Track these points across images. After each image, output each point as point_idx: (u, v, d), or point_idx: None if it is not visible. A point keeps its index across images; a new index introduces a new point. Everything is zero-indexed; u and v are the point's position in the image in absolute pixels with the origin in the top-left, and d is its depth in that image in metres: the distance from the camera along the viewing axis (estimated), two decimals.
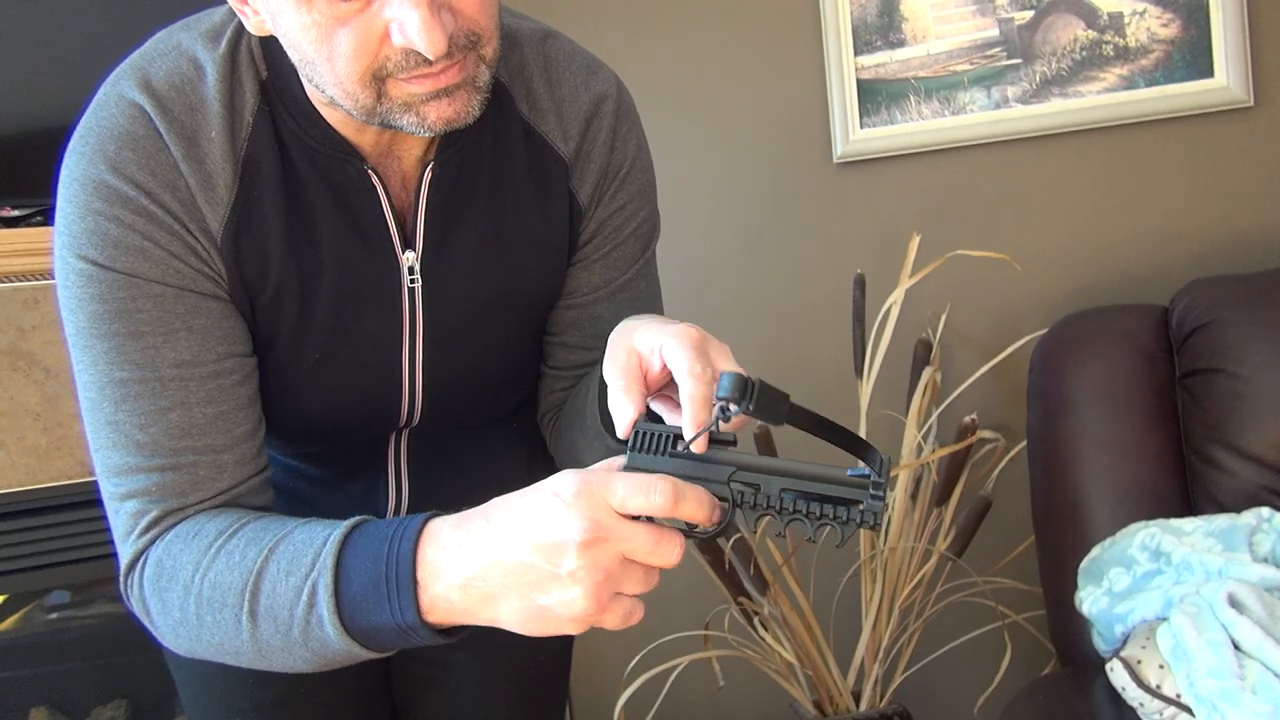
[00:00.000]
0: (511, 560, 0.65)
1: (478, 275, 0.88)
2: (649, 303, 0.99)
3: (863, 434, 1.71)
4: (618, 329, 0.78)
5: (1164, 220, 1.77)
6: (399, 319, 0.87)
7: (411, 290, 0.86)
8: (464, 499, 0.97)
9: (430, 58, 0.70)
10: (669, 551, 0.65)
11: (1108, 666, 1.18)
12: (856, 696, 1.72)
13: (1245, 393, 1.45)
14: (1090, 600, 1.31)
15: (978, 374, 1.71)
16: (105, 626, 2.07)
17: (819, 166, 1.88)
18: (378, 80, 0.72)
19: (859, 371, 1.73)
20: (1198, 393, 1.50)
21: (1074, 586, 1.38)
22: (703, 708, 1.95)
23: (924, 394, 1.72)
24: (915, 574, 1.67)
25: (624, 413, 0.71)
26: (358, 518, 0.74)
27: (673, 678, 1.71)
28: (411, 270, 0.85)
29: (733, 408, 0.64)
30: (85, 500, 1.74)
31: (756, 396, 0.62)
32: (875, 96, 1.86)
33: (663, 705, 1.79)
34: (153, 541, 0.78)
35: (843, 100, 1.86)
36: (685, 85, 1.91)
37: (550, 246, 0.91)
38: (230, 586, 0.72)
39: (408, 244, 0.85)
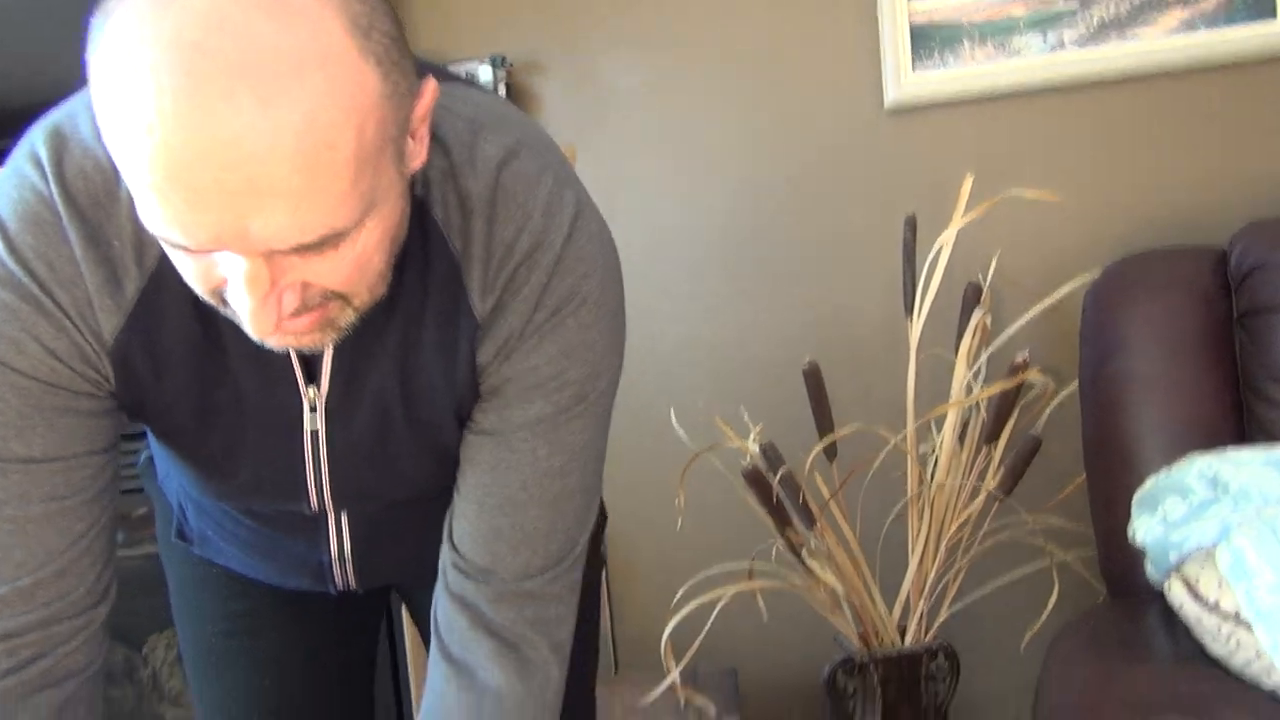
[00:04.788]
0: None
1: (382, 414, 0.82)
2: (540, 483, 0.83)
3: (911, 373, 1.72)
4: None
5: (1221, 163, 1.75)
6: (300, 448, 0.83)
7: (314, 430, 0.82)
8: (406, 549, 0.97)
9: (256, 340, 0.66)
10: None
11: (1165, 585, 1.19)
12: (902, 632, 1.73)
13: None
14: (1145, 529, 1.31)
15: (1029, 314, 1.70)
16: (156, 564, 2.12)
17: (870, 112, 1.87)
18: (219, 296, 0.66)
19: (908, 311, 1.74)
20: (1256, 333, 1.49)
21: (1125, 522, 1.38)
22: (748, 641, 1.97)
23: (974, 335, 1.72)
24: (962, 512, 1.68)
25: None
26: None
27: (718, 609, 1.72)
28: (314, 407, 0.81)
29: None
30: None
31: None
32: (928, 41, 1.85)
33: (708, 639, 1.81)
34: None
35: (895, 44, 1.85)
36: (734, 33, 1.91)
37: (456, 398, 0.82)
38: None
39: (312, 379, 0.80)
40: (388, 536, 0.96)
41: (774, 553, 1.79)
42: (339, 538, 0.94)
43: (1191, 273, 1.58)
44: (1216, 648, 1.10)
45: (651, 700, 1.77)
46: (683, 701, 1.77)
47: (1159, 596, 1.35)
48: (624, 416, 1.99)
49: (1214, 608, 1.10)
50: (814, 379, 1.72)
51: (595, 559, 1.14)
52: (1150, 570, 1.32)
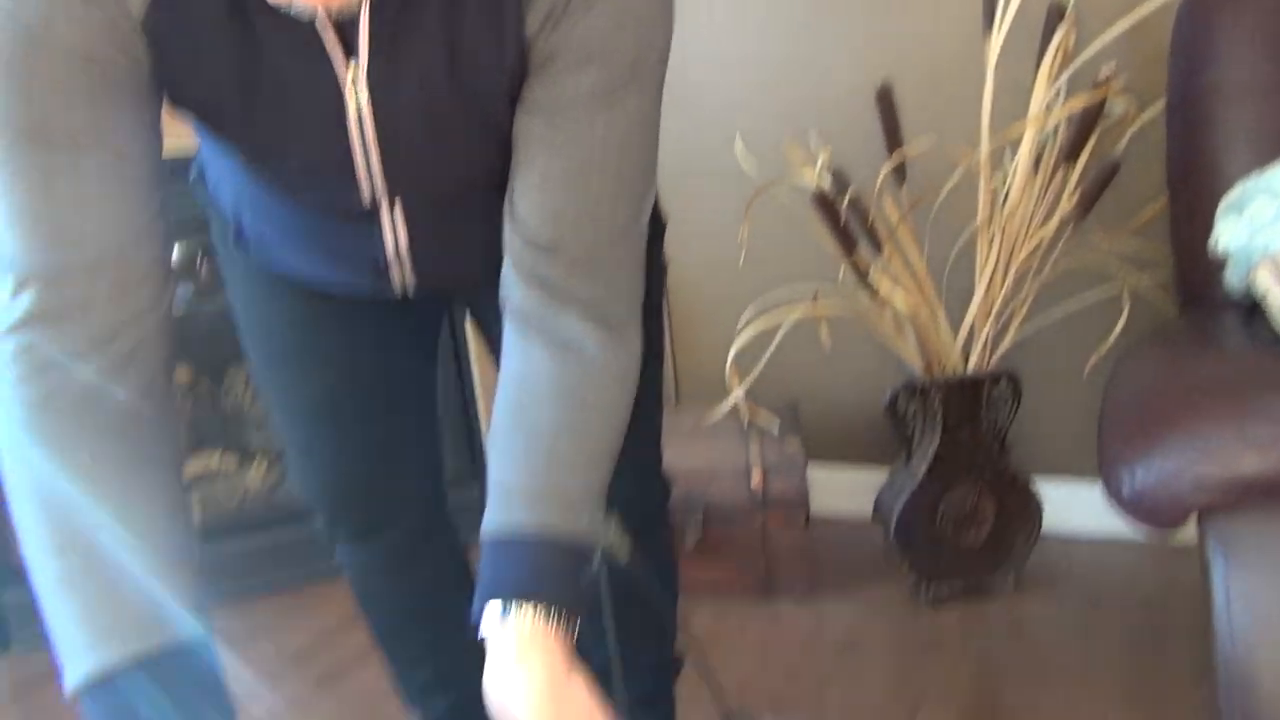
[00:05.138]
0: None
1: (429, 89, 0.80)
2: (599, 157, 0.82)
3: (988, 93, 1.66)
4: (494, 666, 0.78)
5: None
6: (345, 129, 0.82)
7: (358, 99, 0.80)
8: (463, 246, 0.95)
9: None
10: None
11: (1249, 277, 1.17)
12: (965, 358, 1.74)
13: None
14: (1229, 235, 1.28)
15: (1115, 29, 1.62)
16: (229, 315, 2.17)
17: None
18: None
19: (988, 27, 1.66)
20: None
21: (1206, 236, 1.35)
22: (809, 375, 2.00)
23: (1055, 56, 1.64)
24: (1034, 236, 1.65)
25: None
26: (105, 671, 0.72)
27: (782, 332, 1.74)
28: (355, 81, 0.79)
29: None
30: None
31: None
32: None
33: (770, 372, 1.83)
34: (26, 345, 0.75)
35: None
36: None
37: (506, 71, 0.80)
38: (44, 551, 0.74)
39: (351, 52, 0.77)
40: (444, 231, 0.95)
41: (839, 277, 1.79)
42: (394, 232, 0.93)
43: None
44: None
45: (716, 419, 1.82)
46: (745, 420, 1.82)
47: (1235, 305, 1.33)
48: (688, 141, 1.96)
49: None
50: (886, 100, 1.67)
51: (656, 265, 1.14)
52: (1229, 277, 1.29)
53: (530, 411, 0.85)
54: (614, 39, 0.77)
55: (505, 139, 0.85)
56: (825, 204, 1.65)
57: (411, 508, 1.20)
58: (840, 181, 1.66)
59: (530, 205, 0.84)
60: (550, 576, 0.81)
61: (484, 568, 0.82)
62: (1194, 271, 1.44)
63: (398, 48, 0.78)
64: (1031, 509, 1.77)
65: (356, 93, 0.79)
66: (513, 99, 0.82)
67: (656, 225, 1.08)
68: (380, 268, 0.97)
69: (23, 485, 0.75)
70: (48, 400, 0.76)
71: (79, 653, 0.72)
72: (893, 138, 1.68)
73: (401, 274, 0.98)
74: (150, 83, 0.76)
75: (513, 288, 0.88)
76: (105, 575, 0.75)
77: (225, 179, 0.99)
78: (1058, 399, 1.90)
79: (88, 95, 0.72)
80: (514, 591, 0.80)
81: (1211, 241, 1.32)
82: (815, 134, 1.82)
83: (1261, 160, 1.40)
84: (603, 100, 0.79)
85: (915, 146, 1.66)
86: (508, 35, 0.77)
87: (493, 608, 0.80)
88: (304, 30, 0.76)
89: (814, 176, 1.68)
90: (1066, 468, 1.92)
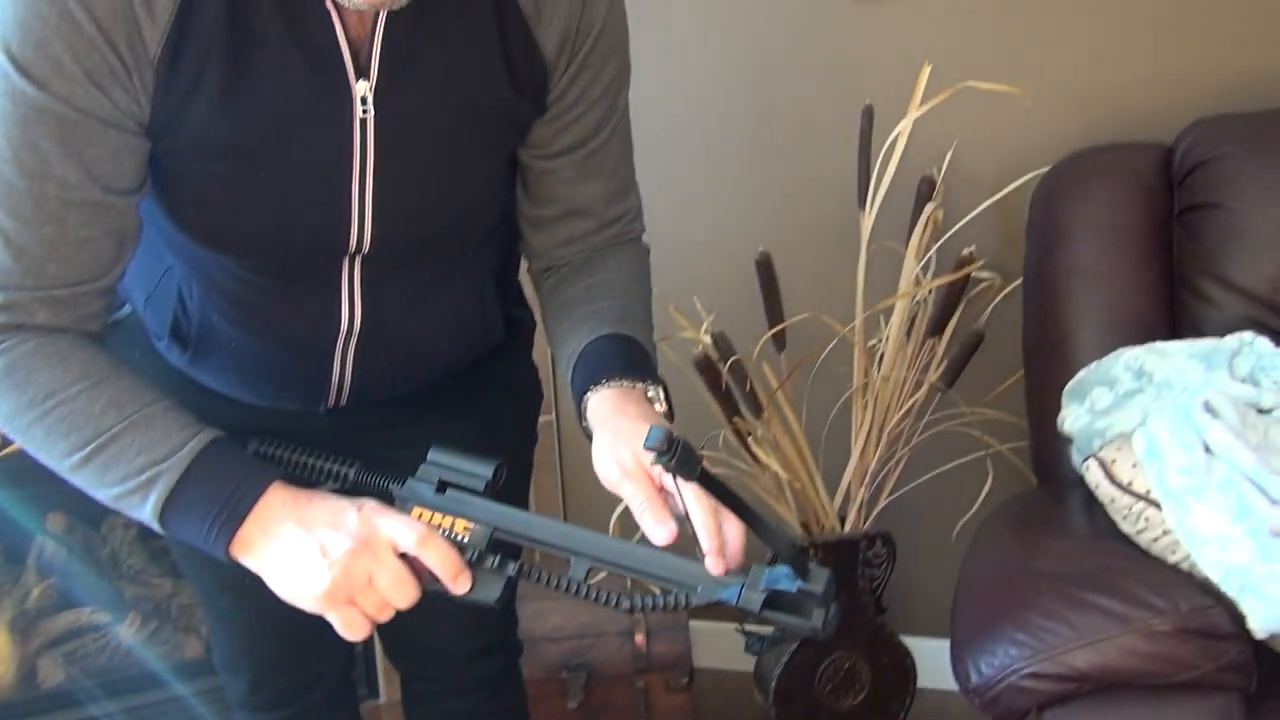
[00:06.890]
0: (303, 534, 0.81)
1: (435, 110, 0.88)
2: (616, 164, 1.01)
3: (861, 266, 1.74)
4: (605, 422, 0.89)
5: (1176, 59, 1.75)
6: (349, 149, 0.86)
7: (363, 120, 0.85)
8: (416, 326, 1.00)
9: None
10: (401, 594, 0.81)
11: (1082, 467, 1.23)
12: (842, 519, 1.78)
13: (1240, 227, 1.47)
14: (1072, 418, 1.35)
15: (980, 208, 1.72)
16: None
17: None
18: None
19: (862, 203, 1.75)
20: (1193, 227, 1.51)
21: (1058, 412, 1.42)
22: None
23: (925, 229, 1.73)
24: (905, 403, 1.72)
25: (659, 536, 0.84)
26: (218, 434, 0.85)
27: None
28: (364, 100, 0.85)
29: (656, 460, 0.70)
30: None
31: (679, 452, 0.68)
32: None
33: None
34: (3, 340, 0.84)
35: None
36: None
37: (514, 92, 0.91)
38: (80, 430, 0.82)
39: (362, 74, 0.84)
40: (399, 308, 0.98)
41: (721, 440, 1.83)
42: (350, 305, 0.95)
43: (1137, 168, 1.60)
44: (1126, 526, 1.15)
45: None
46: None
47: (1081, 482, 1.40)
48: None
49: (1126, 488, 1.15)
50: (766, 269, 1.74)
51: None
52: (1075, 458, 1.36)
53: (613, 284, 1.00)
54: (619, 25, 0.95)
55: (497, 173, 0.96)
56: (708, 368, 1.70)
57: (330, 674, 1.19)
58: (722, 346, 1.71)
59: (598, 193, 0.99)
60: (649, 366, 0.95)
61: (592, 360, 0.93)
62: (1047, 446, 1.51)
63: (409, 64, 0.85)
64: (907, 671, 1.80)
65: (364, 111, 0.85)
66: (518, 121, 0.93)
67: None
68: (324, 364, 0.99)
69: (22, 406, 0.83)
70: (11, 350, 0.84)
71: (176, 433, 0.83)
72: (772, 305, 1.75)
73: (342, 367, 0.99)
74: (136, 136, 0.82)
75: (546, 278, 1.04)
76: (149, 394, 0.85)
77: (174, 265, 0.98)
78: (931, 558, 1.94)
79: (79, 150, 0.79)
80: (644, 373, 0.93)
81: (1059, 420, 1.39)
82: (699, 300, 1.87)
83: (1106, 343, 1.48)
84: (623, 80, 0.98)
85: (794, 317, 1.73)
86: (521, 46, 0.89)
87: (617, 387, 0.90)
88: (316, 49, 0.83)
89: (699, 340, 1.73)
90: (941, 628, 1.95)
